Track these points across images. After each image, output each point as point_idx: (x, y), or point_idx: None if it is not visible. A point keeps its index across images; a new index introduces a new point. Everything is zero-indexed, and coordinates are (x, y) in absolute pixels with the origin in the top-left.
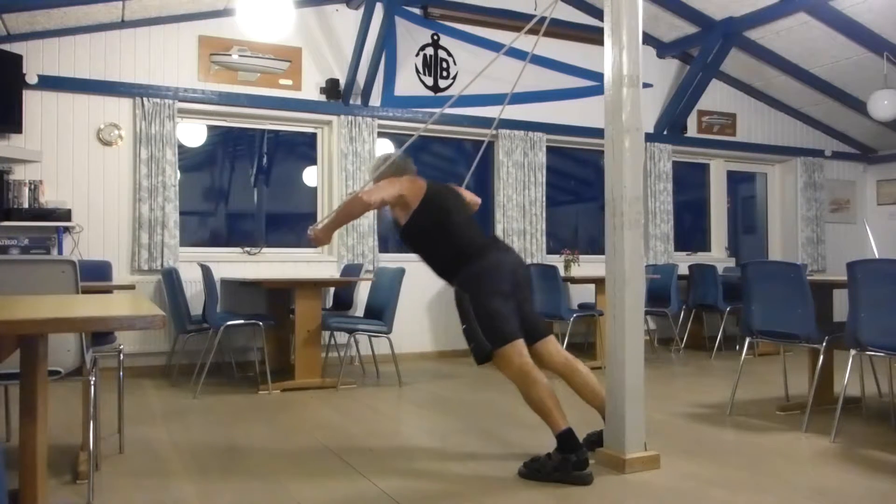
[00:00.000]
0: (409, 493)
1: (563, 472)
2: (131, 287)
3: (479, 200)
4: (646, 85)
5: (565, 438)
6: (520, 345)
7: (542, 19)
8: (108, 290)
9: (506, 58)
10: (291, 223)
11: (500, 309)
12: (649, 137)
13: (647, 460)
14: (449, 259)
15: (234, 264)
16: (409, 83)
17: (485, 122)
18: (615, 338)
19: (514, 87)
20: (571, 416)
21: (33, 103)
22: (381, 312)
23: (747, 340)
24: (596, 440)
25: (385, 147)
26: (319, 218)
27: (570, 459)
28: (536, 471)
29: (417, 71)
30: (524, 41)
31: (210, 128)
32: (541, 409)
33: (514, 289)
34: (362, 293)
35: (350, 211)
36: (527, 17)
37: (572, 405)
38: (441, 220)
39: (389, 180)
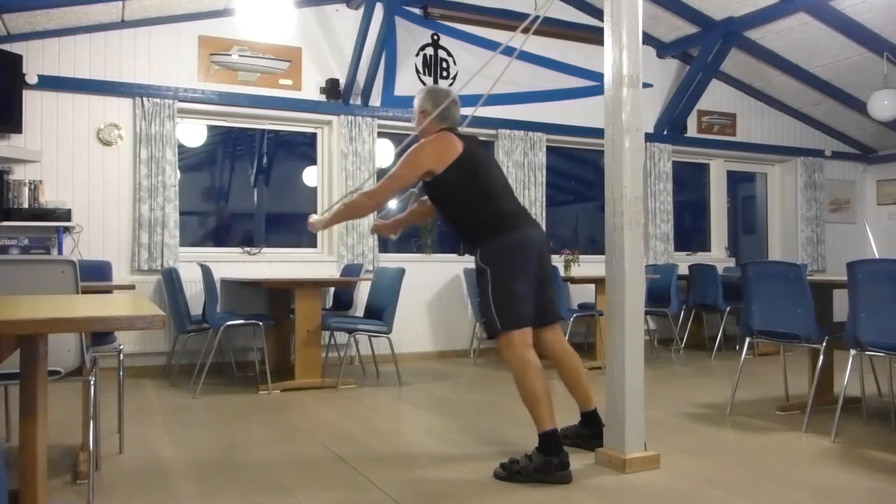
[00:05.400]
0: (409, 493)
1: (544, 473)
2: (131, 287)
3: None
4: (646, 85)
5: (549, 439)
6: (527, 332)
7: (537, 18)
8: (108, 290)
9: (505, 58)
10: (291, 223)
11: (521, 290)
12: (649, 137)
13: (647, 460)
14: (474, 226)
15: (234, 264)
16: (409, 83)
17: (485, 122)
18: (615, 338)
19: (493, 86)
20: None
21: (33, 103)
22: (381, 312)
23: (747, 340)
24: (570, 434)
25: (385, 147)
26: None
27: (552, 462)
28: (517, 472)
29: (417, 71)
30: (520, 41)
31: (210, 128)
32: (531, 402)
33: (540, 270)
34: (362, 293)
35: (357, 213)
36: (527, 18)
37: (568, 409)
38: (472, 185)
39: (411, 161)
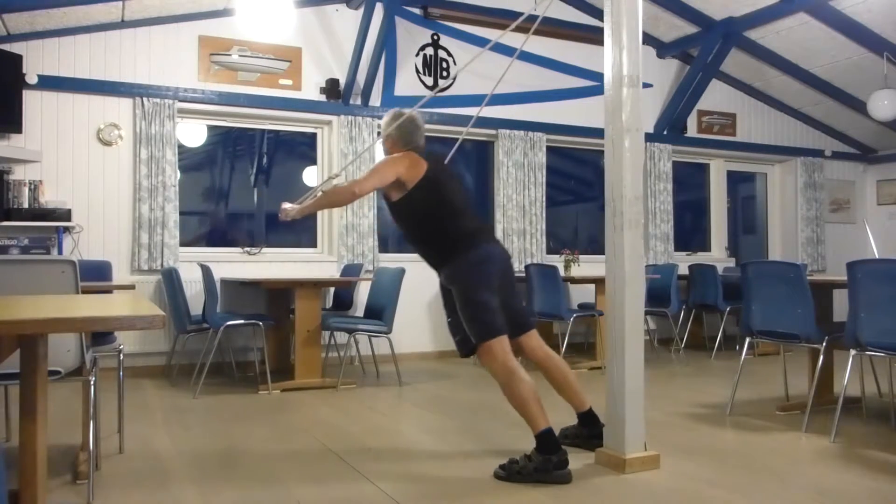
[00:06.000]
0: (409, 493)
1: (544, 472)
2: (131, 287)
3: None
4: (646, 85)
5: (546, 438)
6: (504, 340)
7: (536, 17)
8: (108, 290)
9: (505, 58)
10: (291, 223)
11: (488, 301)
12: (649, 137)
13: (647, 460)
14: (438, 246)
15: (234, 264)
16: (409, 83)
17: (485, 122)
18: (615, 338)
19: (496, 86)
20: (554, 417)
21: (33, 103)
22: (381, 312)
23: (747, 340)
24: (570, 434)
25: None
26: (318, 219)
27: (551, 460)
28: (517, 472)
29: (417, 71)
30: (521, 40)
31: (210, 128)
32: (522, 406)
33: (503, 283)
34: (362, 293)
35: (337, 201)
36: (528, 18)
37: (552, 406)
38: (437, 204)
39: (390, 162)
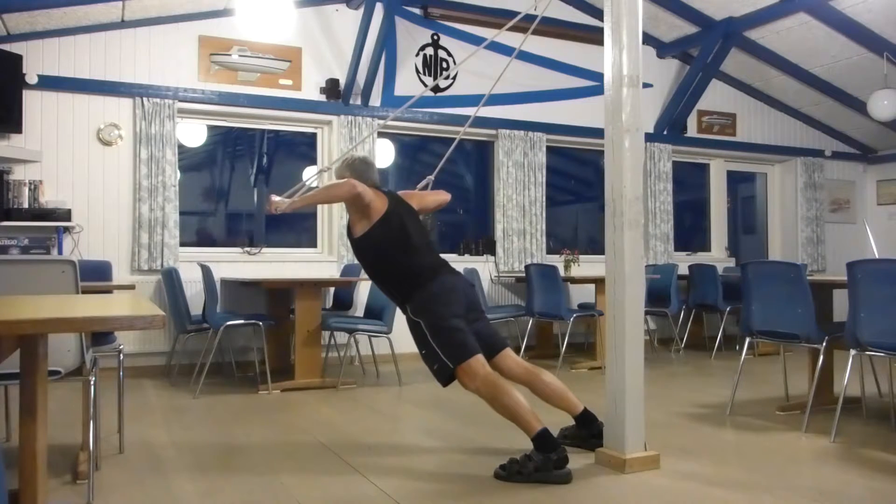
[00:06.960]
0: (409, 493)
1: (544, 471)
2: (131, 287)
3: (446, 198)
4: (646, 85)
5: (543, 438)
6: (481, 358)
7: (535, 17)
8: (108, 290)
9: (505, 58)
10: (291, 223)
11: (457, 325)
12: (649, 137)
13: (647, 460)
14: (400, 280)
15: (234, 264)
16: (409, 83)
17: (485, 122)
18: (615, 338)
19: (494, 85)
20: (554, 418)
21: (33, 103)
22: (381, 312)
23: (747, 340)
24: (569, 435)
25: (385, 147)
26: (319, 219)
27: (551, 458)
28: (517, 472)
29: (417, 71)
30: (521, 40)
31: (210, 128)
32: (513, 415)
33: (468, 310)
34: (362, 293)
35: (332, 195)
36: (527, 17)
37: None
38: (398, 240)
39: (360, 184)
